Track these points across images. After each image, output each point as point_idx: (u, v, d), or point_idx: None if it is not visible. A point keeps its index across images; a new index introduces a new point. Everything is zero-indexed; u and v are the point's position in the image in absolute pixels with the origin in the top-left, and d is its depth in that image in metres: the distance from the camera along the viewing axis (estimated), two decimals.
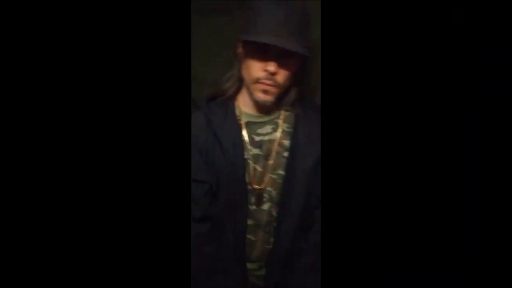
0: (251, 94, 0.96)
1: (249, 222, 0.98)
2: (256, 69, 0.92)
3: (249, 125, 0.99)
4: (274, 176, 0.97)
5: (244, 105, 1.01)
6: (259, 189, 0.97)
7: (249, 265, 0.99)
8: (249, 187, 0.97)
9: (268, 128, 1.00)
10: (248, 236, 0.98)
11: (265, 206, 0.98)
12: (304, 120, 0.99)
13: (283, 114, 1.00)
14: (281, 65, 0.91)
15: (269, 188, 0.97)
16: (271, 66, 0.90)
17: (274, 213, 0.97)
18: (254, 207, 0.97)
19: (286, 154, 0.98)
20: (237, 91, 1.01)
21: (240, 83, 0.99)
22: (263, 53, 0.90)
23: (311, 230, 0.98)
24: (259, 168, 0.97)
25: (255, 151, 0.98)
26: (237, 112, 1.01)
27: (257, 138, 0.99)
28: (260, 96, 0.94)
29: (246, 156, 0.97)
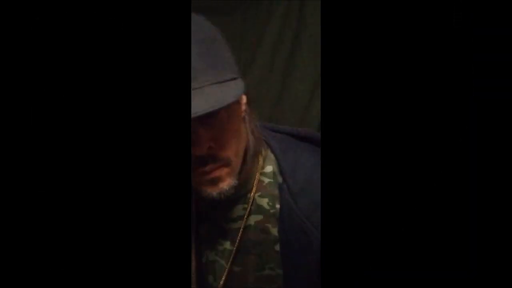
0: (199, 194, 0.68)
1: None
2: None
3: (212, 209, 0.72)
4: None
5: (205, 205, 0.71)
6: None
7: None
8: None
9: (239, 210, 0.70)
10: None
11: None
12: (290, 184, 0.68)
13: (263, 183, 0.70)
14: (211, 130, 0.64)
15: None
16: (198, 145, 0.64)
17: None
18: None
19: (276, 247, 0.69)
20: None
21: None
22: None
23: None
24: (236, 269, 0.69)
25: (225, 245, 0.71)
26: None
27: (227, 227, 0.70)
28: (211, 191, 0.66)
29: (215, 251, 0.70)
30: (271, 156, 0.71)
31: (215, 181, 0.65)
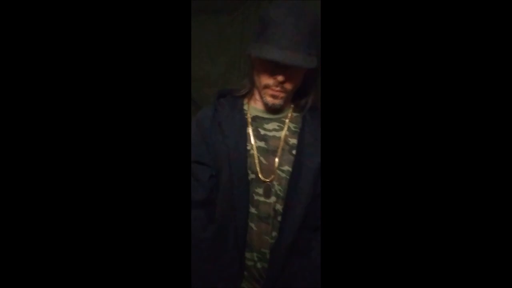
0: (261, 97, 1.02)
1: (252, 210, 0.99)
2: (265, 76, 0.97)
3: (255, 119, 1.04)
4: (280, 172, 1.00)
5: (254, 103, 1.05)
6: (266, 181, 0.99)
7: (248, 254, 1.00)
8: (255, 177, 0.99)
9: (274, 125, 1.03)
10: (250, 224, 0.99)
11: (271, 199, 0.99)
12: (310, 123, 1.04)
13: (290, 114, 1.05)
14: (289, 74, 0.96)
15: (275, 183, 1.00)
16: (280, 76, 0.95)
17: (279, 208, 0.99)
18: (259, 197, 0.99)
19: (293, 151, 1.01)
20: (249, 92, 1.06)
21: (252, 85, 1.04)
22: (271, 63, 0.94)
23: (318, 231, 0.99)
24: (264, 161, 1.00)
25: (260, 143, 1.01)
26: (245, 108, 1.05)
27: (262, 132, 1.02)
28: (269, 100, 1.00)
29: (249, 147, 1.00)
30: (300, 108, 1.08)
31: (275, 96, 0.99)
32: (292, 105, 1.06)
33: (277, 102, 0.99)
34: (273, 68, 0.95)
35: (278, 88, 0.97)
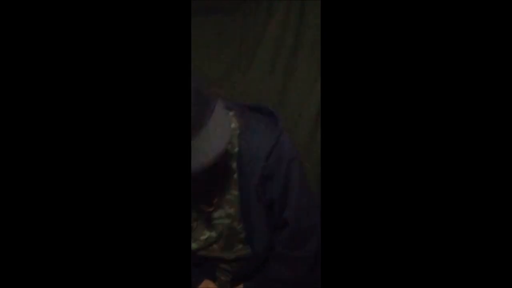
0: None
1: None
2: None
3: None
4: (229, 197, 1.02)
5: None
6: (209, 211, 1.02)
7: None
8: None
9: None
10: None
11: (226, 221, 1.03)
12: (246, 137, 1.00)
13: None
14: None
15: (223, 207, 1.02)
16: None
17: (237, 227, 1.03)
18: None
19: (234, 176, 1.01)
20: None
21: None
22: None
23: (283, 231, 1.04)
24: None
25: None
26: None
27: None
28: None
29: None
30: (235, 120, 1.02)
31: None
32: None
33: None
34: None
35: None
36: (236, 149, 1.00)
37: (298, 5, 1.28)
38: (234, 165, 1.01)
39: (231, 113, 1.01)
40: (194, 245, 1.04)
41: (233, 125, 1.01)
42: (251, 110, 1.06)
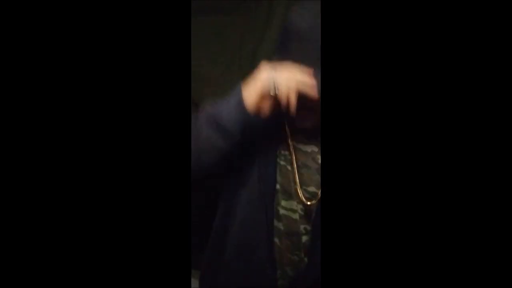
0: None
1: (277, 224, 0.94)
2: None
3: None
4: (303, 192, 0.93)
5: None
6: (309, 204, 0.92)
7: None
8: (279, 187, 0.94)
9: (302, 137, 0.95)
10: (275, 239, 0.94)
11: (295, 216, 0.94)
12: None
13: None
14: None
15: (298, 201, 0.93)
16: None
17: (303, 228, 0.94)
18: (283, 211, 0.94)
19: (319, 170, 0.93)
20: None
21: None
22: None
23: None
24: (290, 176, 0.93)
25: (286, 153, 0.94)
26: None
27: (291, 142, 0.94)
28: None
29: (278, 156, 0.94)
30: None
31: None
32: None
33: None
34: None
35: None
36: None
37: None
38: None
39: None
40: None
41: None
42: None
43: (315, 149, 0.94)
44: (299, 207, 0.93)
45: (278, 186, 0.94)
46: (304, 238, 0.93)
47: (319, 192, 0.92)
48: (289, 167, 0.93)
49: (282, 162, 0.94)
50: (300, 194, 0.92)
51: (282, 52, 0.88)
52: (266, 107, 0.85)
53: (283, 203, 0.94)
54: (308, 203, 0.92)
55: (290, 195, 0.94)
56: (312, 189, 0.93)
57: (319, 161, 0.93)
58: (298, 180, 0.92)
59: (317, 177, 0.93)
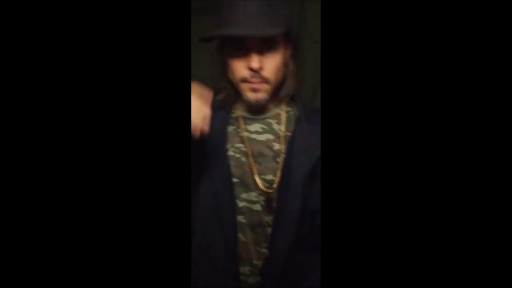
0: (242, 96, 0.92)
1: (239, 218, 0.93)
2: (239, 68, 0.89)
3: (239, 119, 0.95)
4: (262, 181, 0.93)
5: (240, 103, 0.97)
6: (268, 192, 0.91)
7: (240, 268, 0.93)
8: (239, 182, 0.93)
9: (257, 127, 0.95)
10: (238, 234, 0.93)
11: (257, 207, 0.93)
12: (305, 128, 0.94)
13: (279, 114, 0.95)
14: (265, 59, 0.88)
15: (258, 192, 0.93)
16: (254, 62, 0.86)
17: (267, 219, 0.93)
18: (244, 203, 0.93)
19: (277, 159, 0.93)
20: (230, 94, 0.96)
21: (231, 85, 0.94)
22: (242, 49, 0.87)
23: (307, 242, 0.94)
24: (246, 168, 0.93)
25: (240, 145, 0.94)
26: (233, 108, 0.97)
27: (244, 134, 0.94)
28: (250, 96, 0.90)
29: (232, 149, 0.93)
30: (294, 107, 0.97)
31: (255, 90, 0.88)
32: (284, 106, 0.96)
33: (260, 96, 0.89)
34: (245, 54, 0.86)
35: (256, 79, 0.87)
36: (288, 133, 0.93)
37: (298, 5, 1.28)
38: (280, 147, 0.93)
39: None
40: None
41: (289, 109, 0.96)
42: (315, 110, 0.99)
43: (271, 137, 0.94)
44: (260, 198, 0.93)
45: (235, 179, 0.92)
46: (269, 230, 0.93)
47: (277, 179, 0.92)
48: (244, 159, 0.93)
49: (237, 155, 0.93)
50: (260, 184, 0.91)
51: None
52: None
53: (243, 195, 0.93)
54: (270, 191, 0.91)
55: (249, 186, 0.93)
56: (269, 177, 0.93)
57: (275, 148, 0.94)
58: (256, 170, 0.92)
59: (274, 164, 0.93)
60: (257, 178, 0.91)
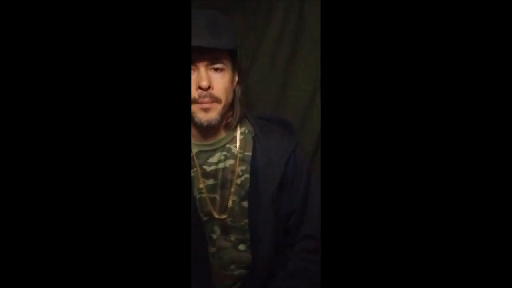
0: (193, 120, 0.91)
1: (212, 250, 0.97)
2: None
3: (198, 156, 0.96)
4: (234, 206, 0.96)
5: (193, 138, 0.96)
6: (222, 219, 0.96)
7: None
8: (209, 218, 0.96)
9: (219, 156, 0.96)
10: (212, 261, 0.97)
11: (232, 238, 0.97)
12: (261, 141, 0.96)
13: (237, 137, 0.97)
14: (213, 78, 0.89)
15: (231, 219, 0.96)
16: (203, 81, 0.86)
17: (242, 247, 0.97)
18: (216, 235, 0.97)
19: (239, 181, 0.96)
20: None
21: None
22: (191, 70, 0.88)
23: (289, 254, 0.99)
24: (218, 198, 0.96)
25: (208, 182, 0.96)
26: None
27: (208, 169, 0.96)
28: (202, 117, 0.89)
29: (200, 187, 0.95)
30: (248, 125, 0.99)
31: (207, 110, 0.88)
32: (237, 128, 0.97)
33: (211, 116, 0.89)
34: (193, 76, 0.87)
35: (206, 99, 0.87)
36: (248, 153, 0.96)
37: (298, 5, 1.28)
38: (242, 168, 0.96)
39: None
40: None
41: (243, 129, 0.98)
42: (266, 119, 1.02)
43: (232, 161, 0.95)
44: (217, 226, 0.97)
45: (204, 218, 0.96)
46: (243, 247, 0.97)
47: (229, 203, 0.95)
48: (204, 195, 0.96)
49: (198, 196, 0.96)
50: (215, 214, 0.95)
51: None
52: None
53: (214, 228, 0.96)
54: (219, 217, 0.95)
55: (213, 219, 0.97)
56: (231, 202, 0.96)
57: (238, 170, 0.96)
58: (210, 204, 0.95)
59: (237, 188, 0.95)
60: (212, 210, 0.96)
